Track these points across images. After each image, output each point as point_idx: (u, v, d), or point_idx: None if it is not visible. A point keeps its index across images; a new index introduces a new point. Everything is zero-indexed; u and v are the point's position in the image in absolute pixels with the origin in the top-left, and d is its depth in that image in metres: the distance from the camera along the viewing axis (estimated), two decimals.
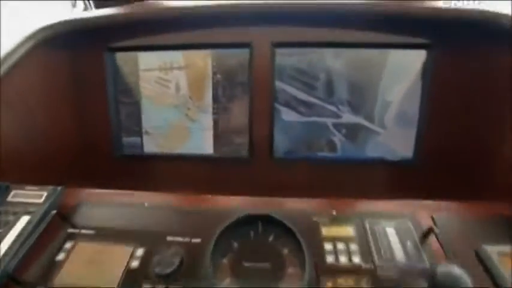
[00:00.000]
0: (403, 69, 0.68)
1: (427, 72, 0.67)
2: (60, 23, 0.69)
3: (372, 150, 0.72)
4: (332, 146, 0.72)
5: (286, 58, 0.70)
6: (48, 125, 0.73)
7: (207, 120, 0.74)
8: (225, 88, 0.73)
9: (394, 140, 0.71)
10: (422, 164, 0.71)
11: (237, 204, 0.53)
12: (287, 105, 0.71)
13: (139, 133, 0.77)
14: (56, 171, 0.73)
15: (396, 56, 0.67)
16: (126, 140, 0.78)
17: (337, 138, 0.72)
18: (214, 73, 0.72)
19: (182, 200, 0.55)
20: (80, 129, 0.78)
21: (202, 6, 0.66)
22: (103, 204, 0.53)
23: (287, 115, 0.72)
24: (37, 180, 0.67)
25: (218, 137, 0.75)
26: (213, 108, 0.74)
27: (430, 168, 0.71)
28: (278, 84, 0.71)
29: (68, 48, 0.74)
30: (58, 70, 0.74)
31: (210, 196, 0.55)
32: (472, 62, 0.66)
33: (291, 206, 0.53)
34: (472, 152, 0.69)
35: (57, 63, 0.73)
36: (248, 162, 0.75)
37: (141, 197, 0.55)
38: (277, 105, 0.71)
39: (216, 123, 0.74)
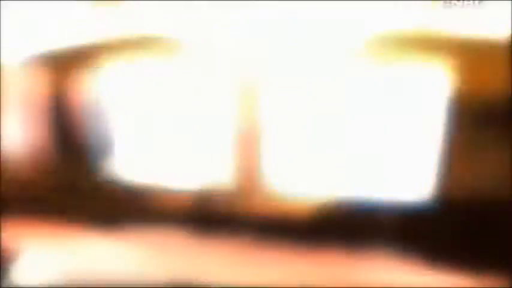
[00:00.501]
0: (418, 95, 0.58)
1: (451, 98, 0.57)
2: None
3: (381, 190, 0.62)
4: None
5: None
6: (22, 143, 0.68)
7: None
8: None
9: (407, 178, 0.60)
10: (440, 207, 0.60)
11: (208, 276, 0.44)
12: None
13: (120, 158, 0.71)
14: (33, 192, 0.69)
15: (410, 79, 0.58)
16: (106, 164, 0.72)
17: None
18: None
19: (145, 260, 0.47)
20: (57, 150, 0.73)
21: None
22: (46, 255, 0.46)
23: (283, 142, 0.63)
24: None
25: (204, 165, 0.67)
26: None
27: (449, 212, 0.61)
28: None
29: (49, 67, 0.70)
30: (36, 89, 0.70)
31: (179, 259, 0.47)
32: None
33: (267, 274, 0.43)
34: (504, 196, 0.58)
35: (35, 82, 0.69)
36: (237, 194, 0.66)
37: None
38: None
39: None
